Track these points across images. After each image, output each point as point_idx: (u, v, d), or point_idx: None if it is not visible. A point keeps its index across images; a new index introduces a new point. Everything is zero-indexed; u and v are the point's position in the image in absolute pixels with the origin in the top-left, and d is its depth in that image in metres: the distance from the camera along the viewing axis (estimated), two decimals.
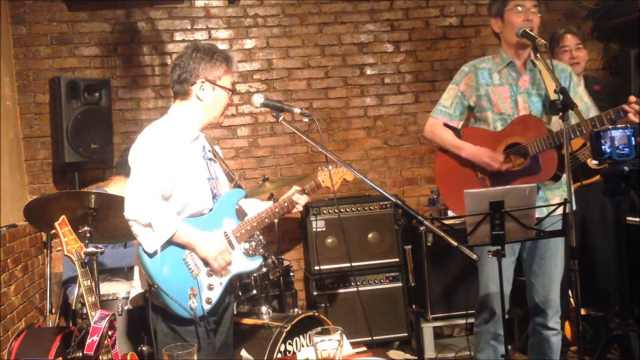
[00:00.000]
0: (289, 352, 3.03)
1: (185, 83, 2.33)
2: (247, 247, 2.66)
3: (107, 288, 3.12)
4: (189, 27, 4.54)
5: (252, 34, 4.61)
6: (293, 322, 3.01)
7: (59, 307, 3.73)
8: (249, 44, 4.61)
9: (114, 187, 3.45)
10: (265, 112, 4.47)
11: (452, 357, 4.09)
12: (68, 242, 2.40)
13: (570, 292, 3.43)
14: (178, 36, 4.52)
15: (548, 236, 2.54)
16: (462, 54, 4.73)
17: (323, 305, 4.13)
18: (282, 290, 3.58)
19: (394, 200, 2.01)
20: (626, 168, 2.17)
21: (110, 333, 2.27)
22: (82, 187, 4.24)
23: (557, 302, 2.84)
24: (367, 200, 4.27)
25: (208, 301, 2.27)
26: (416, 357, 3.83)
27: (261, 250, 2.96)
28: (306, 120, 4.28)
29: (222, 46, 4.29)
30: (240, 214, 2.54)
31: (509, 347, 3.11)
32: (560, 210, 2.42)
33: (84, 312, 2.39)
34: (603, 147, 2.20)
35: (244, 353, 3.07)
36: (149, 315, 2.25)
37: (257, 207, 2.56)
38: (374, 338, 3.87)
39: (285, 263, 3.60)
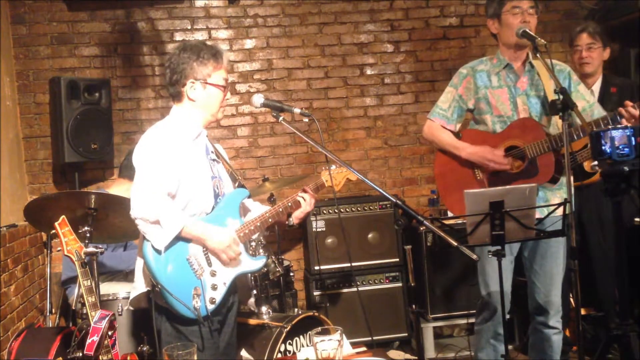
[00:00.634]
0: (289, 352, 3.03)
1: (177, 85, 2.34)
2: (248, 247, 2.66)
3: (107, 288, 3.11)
4: (189, 27, 4.54)
5: (252, 34, 4.61)
6: (293, 322, 3.01)
7: (59, 307, 3.73)
8: (249, 44, 4.61)
9: (116, 189, 3.42)
10: (265, 112, 4.46)
11: (452, 357, 4.09)
12: (68, 242, 2.39)
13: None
14: (178, 36, 4.52)
15: (548, 236, 2.54)
16: (462, 54, 4.72)
17: (323, 305, 4.13)
18: (282, 290, 3.58)
19: (394, 200, 2.01)
20: (626, 168, 2.17)
21: (110, 333, 2.26)
22: (82, 187, 4.24)
23: (559, 301, 2.84)
24: (367, 200, 4.27)
25: (212, 301, 2.27)
26: (416, 357, 3.83)
27: (261, 251, 2.96)
28: (306, 120, 4.28)
29: (222, 46, 4.28)
30: (244, 214, 2.54)
31: (510, 347, 3.11)
32: (560, 211, 2.42)
33: (84, 312, 2.38)
34: (603, 147, 2.19)
35: (244, 353, 3.07)
36: (152, 315, 2.25)
37: (259, 209, 2.56)
38: (374, 338, 3.86)
39: (285, 263, 3.60)
